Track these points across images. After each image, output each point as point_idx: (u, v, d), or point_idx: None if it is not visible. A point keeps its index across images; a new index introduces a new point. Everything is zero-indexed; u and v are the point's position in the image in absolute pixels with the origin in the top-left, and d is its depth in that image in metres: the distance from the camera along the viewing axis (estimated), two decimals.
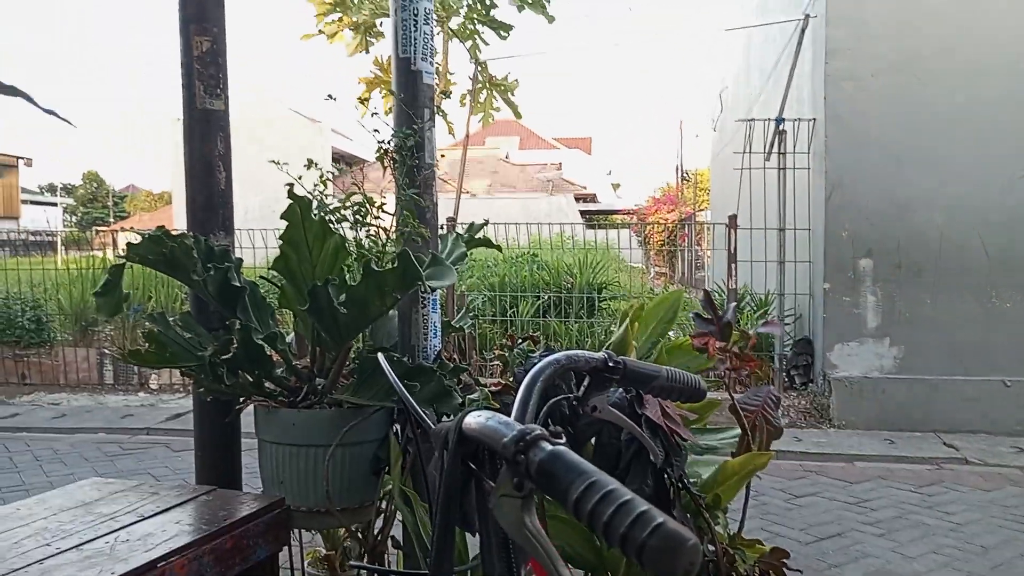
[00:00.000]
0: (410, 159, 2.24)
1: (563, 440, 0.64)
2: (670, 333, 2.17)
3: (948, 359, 5.85)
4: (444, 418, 1.76)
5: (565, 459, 0.61)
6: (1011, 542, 3.64)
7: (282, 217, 1.96)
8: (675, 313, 2.09)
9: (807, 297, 6.66)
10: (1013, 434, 5.53)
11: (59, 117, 1.13)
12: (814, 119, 6.42)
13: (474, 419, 0.72)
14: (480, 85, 5.01)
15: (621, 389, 1.56)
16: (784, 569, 1.85)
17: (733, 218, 6.85)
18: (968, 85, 5.91)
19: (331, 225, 2.07)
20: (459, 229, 2.51)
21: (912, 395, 5.83)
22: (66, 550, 1.46)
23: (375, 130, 2.33)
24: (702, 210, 18.18)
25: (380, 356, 1.09)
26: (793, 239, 6.67)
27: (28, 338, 7.79)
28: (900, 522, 3.92)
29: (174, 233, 2.02)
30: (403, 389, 0.94)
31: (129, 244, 1.99)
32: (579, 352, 1.03)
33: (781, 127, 6.76)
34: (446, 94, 3.86)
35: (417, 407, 0.90)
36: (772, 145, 6.85)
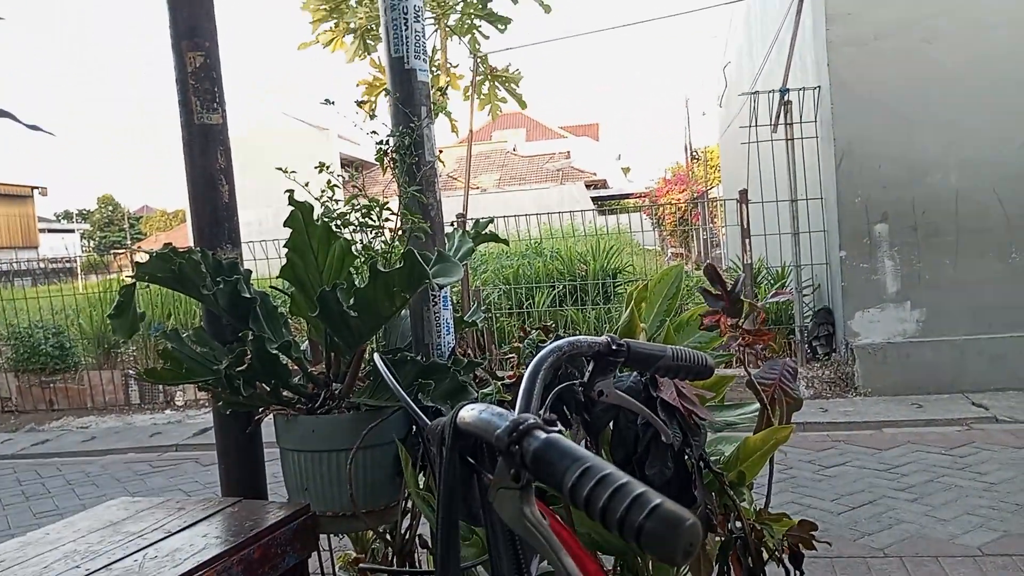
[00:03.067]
0: (409, 157, 2.24)
1: (558, 427, 0.64)
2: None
3: (972, 319, 5.79)
4: None
5: (559, 446, 0.60)
6: None
7: (285, 224, 1.96)
8: (678, 288, 2.07)
9: (824, 267, 6.61)
10: None
11: (43, 131, 1.14)
12: (819, 87, 6.35)
13: (468, 412, 0.72)
14: (481, 78, 5.00)
15: (636, 373, 1.56)
16: (814, 540, 1.84)
17: (744, 193, 6.80)
18: (975, 40, 5.82)
19: (336, 229, 2.07)
20: (468, 226, 2.51)
21: (937, 357, 5.77)
22: (95, 571, 1.47)
23: (373, 132, 2.33)
24: (713, 187, 18.06)
25: (376, 357, 1.09)
26: (806, 209, 6.61)
27: (53, 364, 7.88)
28: (932, 486, 3.89)
29: (182, 249, 2.03)
30: (398, 387, 0.94)
31: (137, 264, 2.00)
32: (582, 338, 1.02)
33: (786, 98, 6.70)
34: (442, 90, 3.85)
35: (412, 404, 0.90)
36: (778, 116, 6.78)
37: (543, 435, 0.62)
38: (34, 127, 1.13)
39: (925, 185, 5.90)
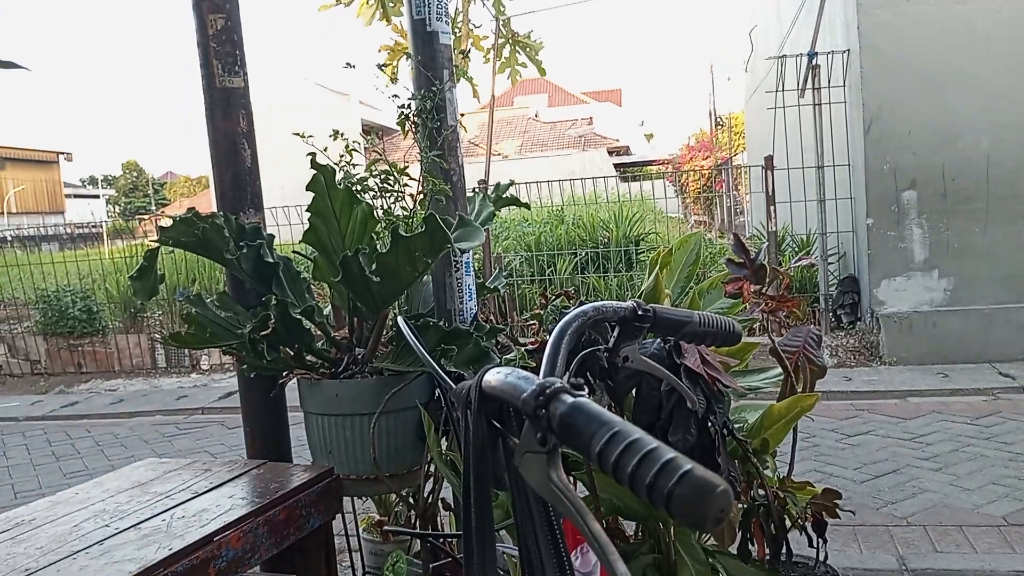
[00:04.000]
0: (431, 121, 2.22)
1: (585, 392, 0.63)
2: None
3: (1001, 287, 5.70)
4: None
5: (586, 410, 0.59)
6: None
7: (307, 188, 1.95)
8: (698, 255, 2.06)
9: (850, 234, 6.52)
10: None
11: (17, 66, 1.13)
12: (848, 50, 6.22)
13: (494, 376, 0.71)
14: (503, 40, 4.94)
15: (659, 340, 1.54)
16: (837, 508, 1.83)
17: (769, 159, 6.70)
18: (1009, 2, 5.65)
19: (358, 194, 2.06)
20: (490, 191, 2.49)
21: (965, 326, 5.70)
22: (124, 530, 1.50)
23: (394, 95, 2.31)
24: (738, 154, 17.83)
25: (400, 320, 1.08)
26: (833, 176, 6.51)
27: (81, 328, 8.00)
28: (957, 455, 3.86)
29: (205, 214, 2.03)
30: (422, 350, 0.93)
31: (161, 228, 2.01)
32: (607, 303, 1.01)
33: (814, 62, 6.56)
34: (464, 53, 3.80)
35: (438, 368, 0.89)
36: (806, 81, 6.65)
37: (570, 399, 0.61)
38: (8, 64, 1.12)
39: (956, 151, 5.78)
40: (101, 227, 15.26)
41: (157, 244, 2.03)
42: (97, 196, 41.13)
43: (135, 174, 51.90)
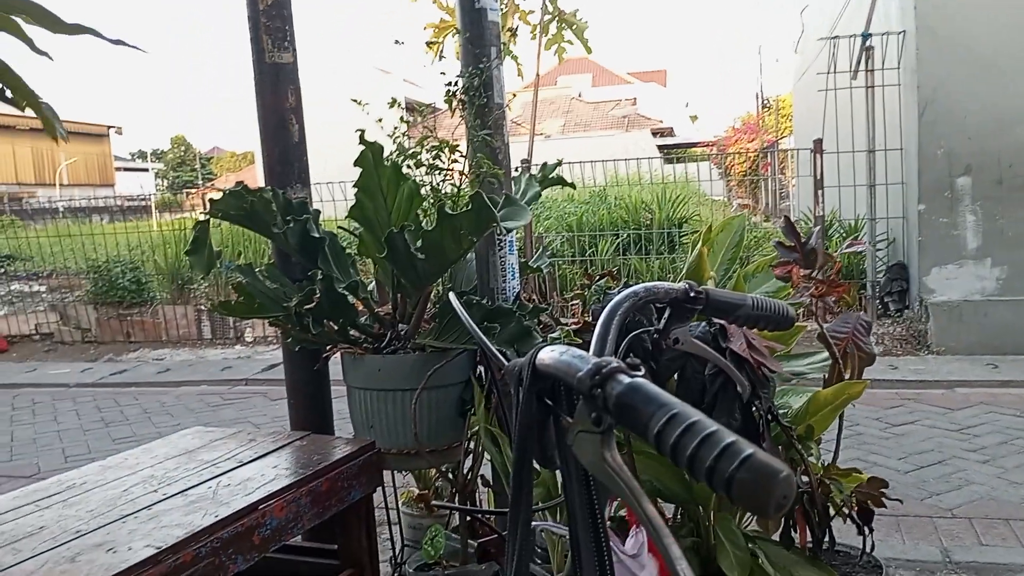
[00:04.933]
0: (479, 99, 2.21)
1: (642, 372, 0.62)
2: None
3: None
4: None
5: (644, 391, 0.58)
6: None
7: (355, 164, 1.96)
8: (741, 237, 2.03)
9: (900, 220, 6.37)
10: None
11: (128, 45, 1.14)
12: (903, 31, 6.04)
13: (548, 354, 0.70)
14: (550, 17, 4.90)
15: (704, 323, 1.52)
16: (883, 498, 1.80)
17: (819, 142, 6.56)
18: None
19: (406, 171, 2.07)
20: (533, 171, 2.47)
21: (1017, 317, 5.54)
22: (172, 495, 1.53)
23: (442, 72, 2.31)
24: (784, 137, 17.50)
25: (451, 296, 1.08)
26: (884, 160, 6.35)
27: (130, 298, 8.18)
28: (1005, 448, 3.77)
29: (253, 189, 2.05)
30: (474, 327, 0.93)
31: (211, 201, 2.03)
32: (659, 284, 0.99)
33: (868, 43, 6.39)
34: (512, 31, 3.78)
35: (491, 345, 0.89)
36: (859, 63, 6.49)
37: (627, 379, 0.60)
38: (118, 41, 1.13)
39: (1013, 136, 5.60)
40: (150, 200, 15.53)
41: (207, 217, 2.05)
42: (146, 170, 41.89)
43: (183, 149, 52.69)
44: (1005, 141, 5.62)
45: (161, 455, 1.81)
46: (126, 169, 37.68)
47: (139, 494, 1.55)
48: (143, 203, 14.98)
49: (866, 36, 6.40)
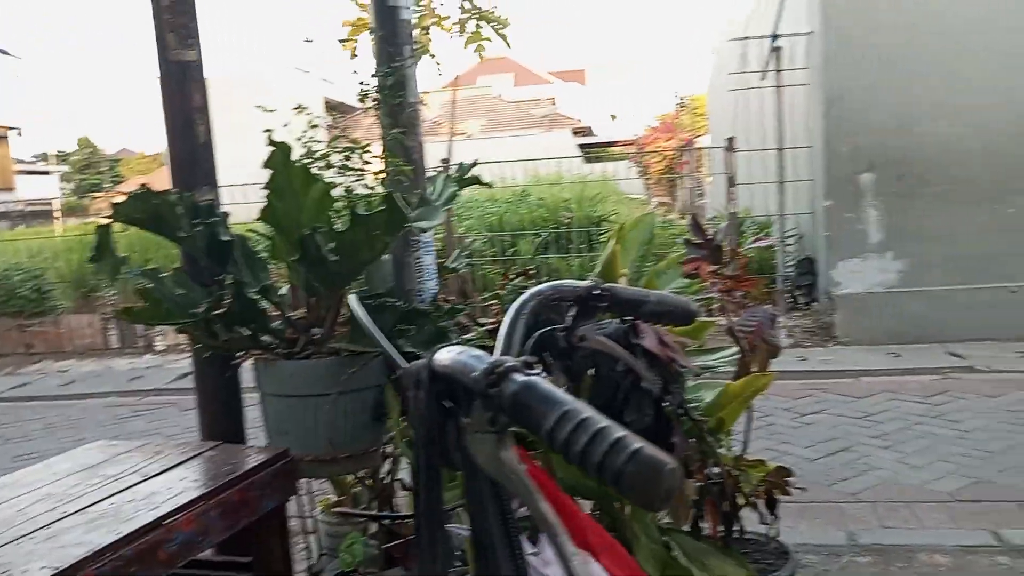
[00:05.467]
0: (392, 98, 2.19)
1: (538, 371, 0.62)
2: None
3: (953, 270, 5.82)
4: None
5: (538, 389, 0.59)
6: (1018, 447, 3.67)
7: (264, 165, 1.91)
8: (651, 234, 2.08)
9: (809, 216, 6.61)
10: (1019, 339, 5.52)
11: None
12: (811, 32, 6.27)
13: (445, 355, 0.70)
14: (468, 15, 4.89)
15: (617, 320, 1.55)
16: (789, 486, 1.86)
17: (731, 140, 6.75)
18: None
19: (318, 172, 2.03)
20: (452, 171, 2.47)
21: (918, 308, 5.82)
22: (72, 513, 1.46)
23: (354, 71, 2.28)
24: (700, 136, 17.95)
25: (351, 299, 1.07)
26: (793, 158, 6.58)
27: (31, 308, 7.81)
28: (907, 433, 3.95)
29: (158, 191, 1.98)
30: (374, 329, 0.92)
31: (113, 204, 1.95)
32: (564, 282, 1.00)
33: (777, 44, 6.61)
34: (426, 29, 3.76)
35: (389, 346, 0.88)
36: (768, 63, 6.70)
37: (521, 378, 0.61)
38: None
39: (913, 135, 5.87)
40: (53, 204, 14.88)
41: (109, 220, 1.98)
42: (49, 173, 40.04)
43: (89, 151, 50.60)
44: (906, 140, 5.88)
45: (61, 471, 1.73)
46: (27, 172, 35.93)
47: (37, 513, 1.48)
48: (46, 207, 14.34)
49: (775, 37, 6.62)
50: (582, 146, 22.59)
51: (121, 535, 1.34)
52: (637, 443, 0.52)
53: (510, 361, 0.62)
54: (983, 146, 5.76)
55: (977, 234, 5.79)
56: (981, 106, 5.75)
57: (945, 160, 5.82)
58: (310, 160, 2.00)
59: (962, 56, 5.75)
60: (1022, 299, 5.68)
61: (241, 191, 6.66)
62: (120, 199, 1.96)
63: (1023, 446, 3.67)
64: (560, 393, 0.58)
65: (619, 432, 0.53)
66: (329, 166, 2.10)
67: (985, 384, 4.70)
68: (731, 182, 6.68)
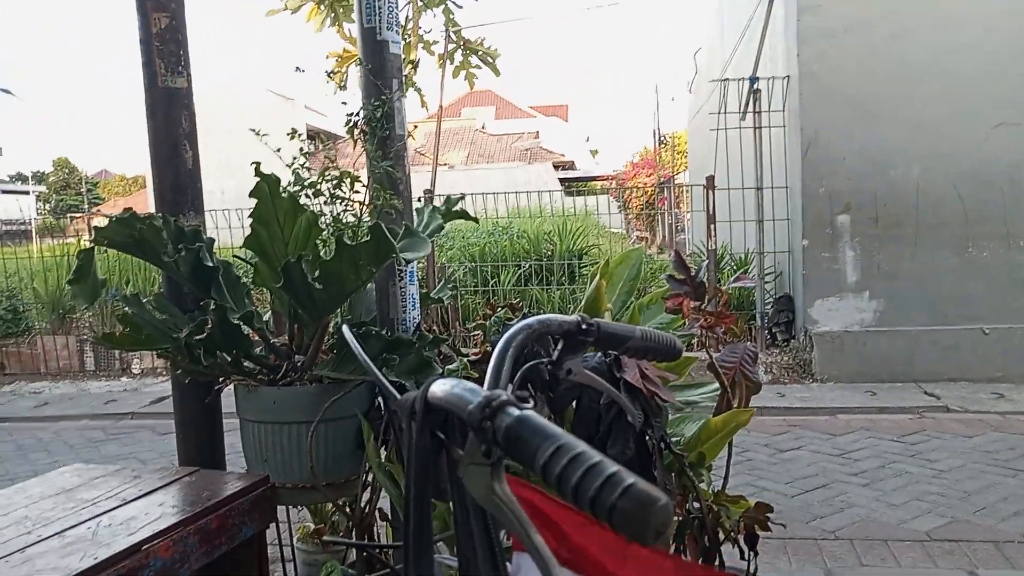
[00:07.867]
0: (380, 130, 2.21)
1: (531, 404, 0.63)
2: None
3: (927, 310, 5.91)
4: None
5: (532, 423, 0.60)
6: (993, 486, 3.71)
7: (250, 195, 1.92)
8: (639, 270, 2.09)
9: (787, 254, 6.69)
10: (993, 380, 5.61)
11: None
12: (788, 76, 6.40)
13: (440, 387, 0.71)
14: (454, 46, 4.95)
15: (600, 354, 1.56)
16: (768, 522, 1.87)
17: (711, 179, 6.84)
18: (940, 37, 5.91)
19: (304, 200, 2.04)
20: (436, 202, 2.49)
21: (893, 347, 5.89)
22: (47, 537, 1.45)
23: (343, 102, 2.30)
24: (680, 172, 18.15)
25: (344, 328, 1.07)
26: (771, 198, 6.68)
27: (5, 328, 7.70)
28: (884, 471, 3.98)
29: (143, 215, 1.98)
30: (367, 360, 0.93)
31: (96, 228, 1.95)
32: (552, 316, 1.02)
33: (755, 86, 6.74)
34: (414, 64, 3.81)
35: (382, 378, 0.89)
36: (747, 104, 6.82)
37: (516, 412, 0.62)
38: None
39: (887, 178, 6.00)
40: (30, 224, 14.72)
41: (92, 244, 1.97)
42: (27, 192, 39.65)
43: (67, 171, 50.21)
44: (880, 182, 6.00)
45: (36, 494, 1.71)
46: (4, 192, 35.60)
47: (11, 536, 1.46)
48: (22, 227, 14.19)
49: (753, 80, 6.75)
50: (564, 180, 22.77)
51: (98, 560, 1.32)
52: (630, 478, 0.53)
53: (504, 395, 0.63)
54: (954, 190, 5.89)
55: (951, 276, 5.90)
56: (952, 152, 5.89)
57: (919, 203, 5.94)
58: (299, 189, 2.01)
59: (930, 104, 5.90)
60: (995, 340, 5.77)
61: (224, 215, 6.65)
62: (103, 222, 1.95)
63: (999, 486, 3.71)
64: (553, 427, 0.59)
65: (613, 467, 0.54)
66: (318, 194, 2.11)
67: (960, 424, 4.75)
68: (711, 219, 6.76)
